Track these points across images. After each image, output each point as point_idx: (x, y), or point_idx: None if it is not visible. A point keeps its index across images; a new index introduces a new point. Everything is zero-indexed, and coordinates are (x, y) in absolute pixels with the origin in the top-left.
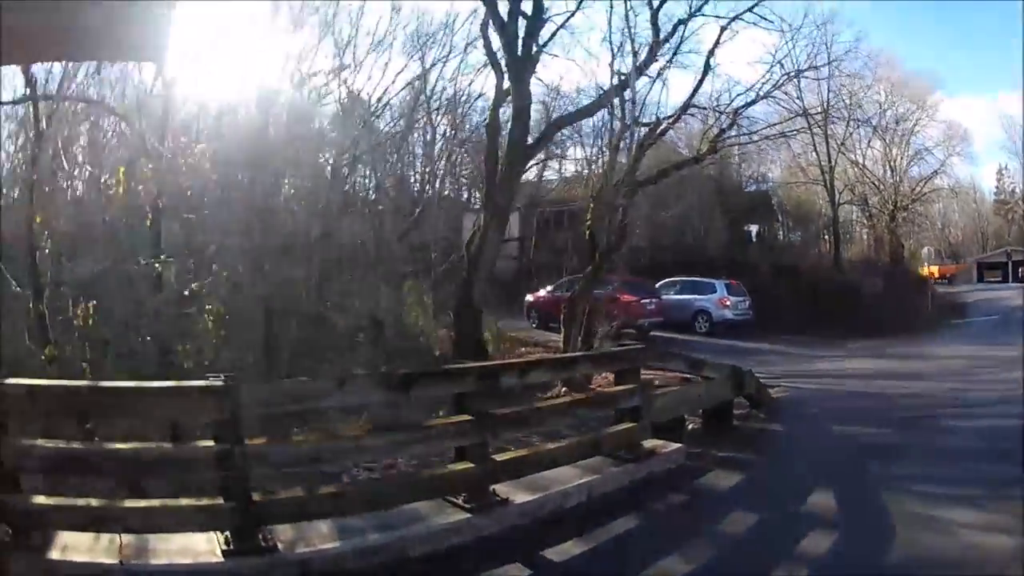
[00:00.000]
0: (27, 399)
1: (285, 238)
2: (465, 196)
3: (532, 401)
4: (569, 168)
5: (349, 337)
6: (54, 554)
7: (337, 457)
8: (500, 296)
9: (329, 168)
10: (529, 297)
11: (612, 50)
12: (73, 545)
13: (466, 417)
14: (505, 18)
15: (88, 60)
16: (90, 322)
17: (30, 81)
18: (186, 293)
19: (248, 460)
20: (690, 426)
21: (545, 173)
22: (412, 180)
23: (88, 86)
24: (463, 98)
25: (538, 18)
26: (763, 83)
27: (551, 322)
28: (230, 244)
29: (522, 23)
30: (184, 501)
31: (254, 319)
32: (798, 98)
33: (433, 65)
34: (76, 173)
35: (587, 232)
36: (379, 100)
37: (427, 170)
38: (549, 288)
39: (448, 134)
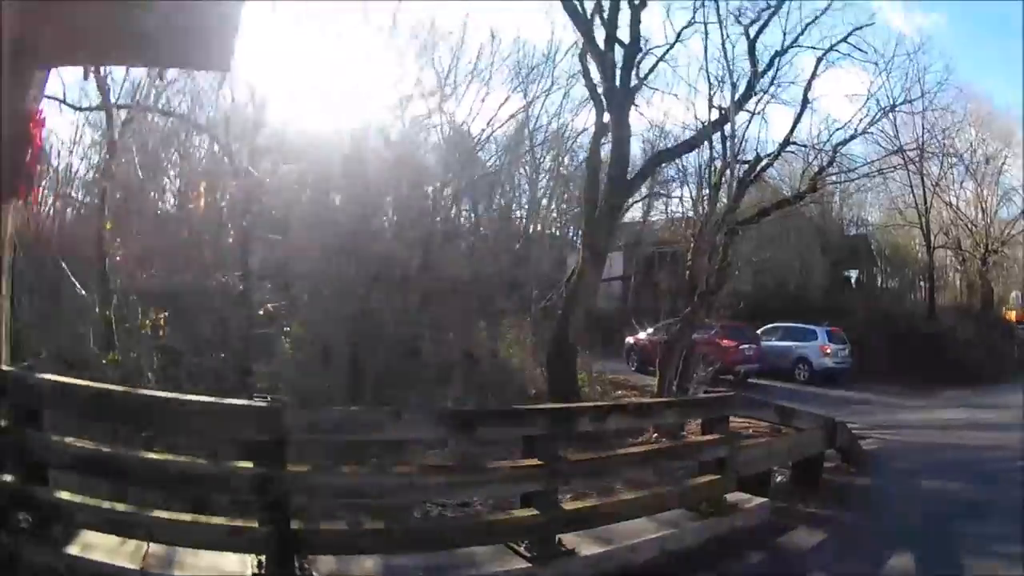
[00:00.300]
0: (59, 396)
1: (379, 265)
2: (570, 233)
3: (616, 446)
4: (674, 208)
5: (441, 370)
6: (73, 549)
7: (386, 493)
8: (602, 336)
9: (430, 198)
10: (630, 339)
11: (709, 82)
12: (96, 545)
13: (535, 462)
14: (602, 46)
15: (152, 66)
16: (161, 332)
17: (102, 89)
18: (260, 313)
19: (289, 486)
20: (779, 478)
21: (651, 214)
22: (516, 215)
23: (180, 101)
24: (566, 133)
25: (635, 47)
26: (861, 119)
27: (650, 365)
28: (317, 267)
29: (620, 52)
30: (218, 519)
31: (339, 345)
32: (895, 136)
33: (536, 98)
34: (162, 184)
35: (687, 273)
36: (482, 132)
37: (531, 205)
38: (650, 330)
39: (552, 169)
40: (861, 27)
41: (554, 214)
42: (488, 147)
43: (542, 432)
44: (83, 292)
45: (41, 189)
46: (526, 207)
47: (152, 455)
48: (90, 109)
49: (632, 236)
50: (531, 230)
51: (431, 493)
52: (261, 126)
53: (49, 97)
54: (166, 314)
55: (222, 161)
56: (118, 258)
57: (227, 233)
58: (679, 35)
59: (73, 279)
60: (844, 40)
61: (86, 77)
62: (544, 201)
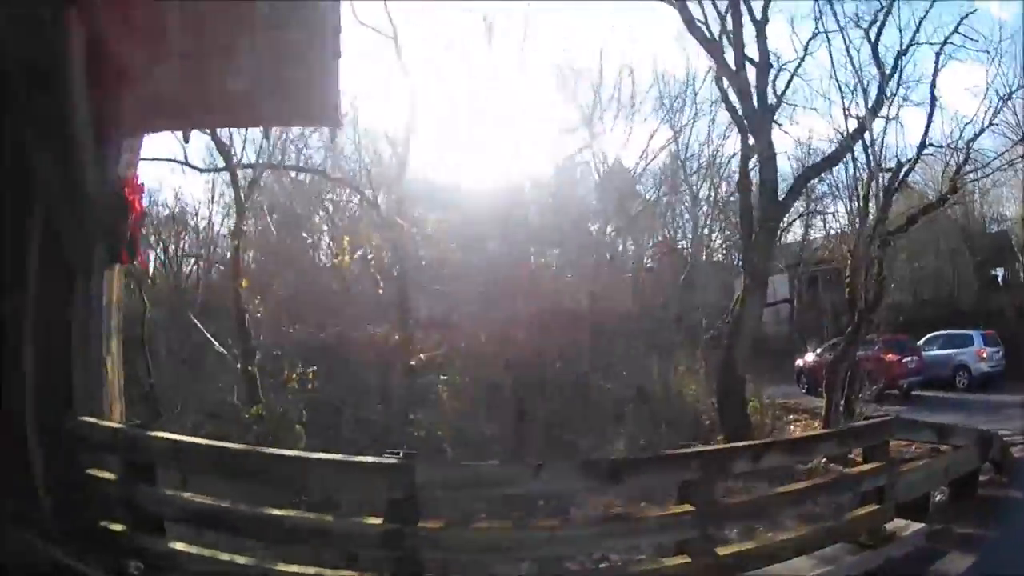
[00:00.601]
0: (171, 453)
1: (541, 306)
2: (736, 260)
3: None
4: (831, 224)
5: (614, 408)
6: None
7: (523, 548)
8: (772, 361)
9: (592, 234)
10: (798, 361)
11: (840, 92)
12: None
13: (686, 508)
14: (734, 67)
15: (252, 126)
16: (310, 385)
17: (222, 149)
18: (413, 363)
19: (420, 542)
20: (937, 496)
21: (809, 232)
22: (680, 246)
23: (325, 158)
24: (717, 159)
25: (766, 64)
26: (985, 111)
27: (820, 386)
28: (475, 312)
29: (752, 72)
30: (346, 573)
31: (503, 389)
32: (1017, 124)
33: (684, 126)
34: (307, 238)
35: (847, 290)
36: (636, 165)
37: (694, 235)
38: (817, 351)
39: (709, 197)
40: (967, 15)
41: (717, 241)
42: (644, 180)
43: (694, 477)
44: (222, 349)
45: (179, 249)
46: (689, 237)
47: (275, 510)
48: (214, 170)
49: (793, 257)
50: (696, 260)
51: (575, 546)
52: (406, 175)
53: (172, 160)
54: (315, 368)
55: (369, 213)
56: (259, 314)
57: (378, 284)
58: (806, 47)
59: (209, 336)
60: (955, 31)
61: (187, 140)
62: (706, 230)
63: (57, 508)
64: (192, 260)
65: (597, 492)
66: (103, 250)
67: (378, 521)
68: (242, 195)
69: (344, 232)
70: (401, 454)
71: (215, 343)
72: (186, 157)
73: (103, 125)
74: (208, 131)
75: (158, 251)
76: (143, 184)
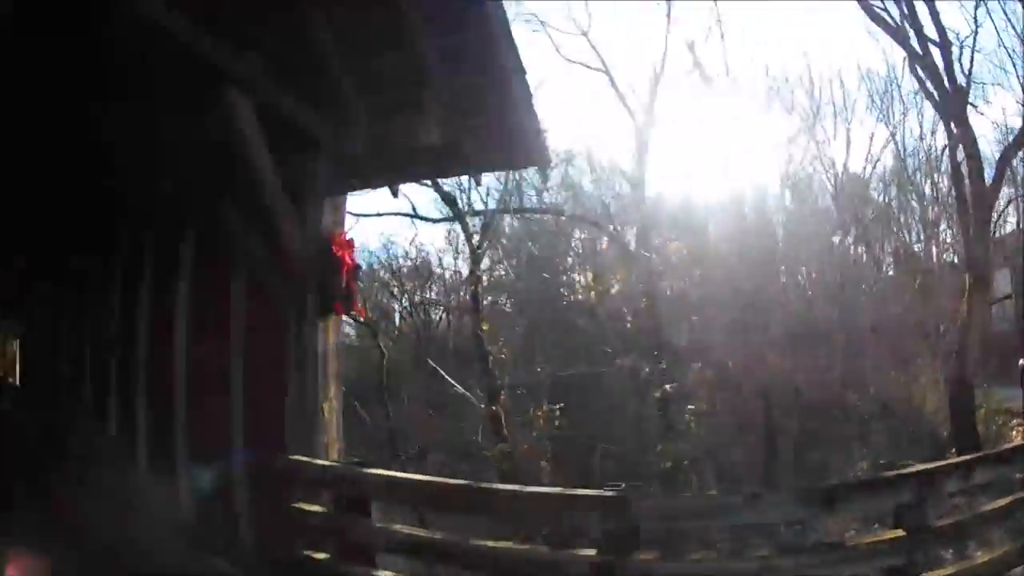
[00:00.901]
0: (385, 488)
1: (788, 326)
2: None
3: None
4: None
5: (860, 426)
6: None
7: None
8: (999, 362)
9: (832, 248)
10: (1021, 361)
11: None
12: None
13: (897, 533)
14: (920, 52)
15: (461, 175)
16: (556, 423)
17: (446, 198)
18: (657, 394)
19: (633, 574)
20: None
21: None
22: (914, 249)
23: (566, 197)
24: (931, 153)
25: (946, 43)
26: None
27: None
28: (721, 340)
29: (936, 54)
30: None
31: (752, 414)
32: None
33: (897, 124)
34: (553, 280)
35: None
36: (863, 169)
37: (924, 236)
38: None
39: (933, 194)
40: None
41: (948, 240)
42: (873, 183)
43: (905, 500)
44: (464, 391)
45: (424, 298)
46: (921, 239)
47: (487, 541)
48: (445, 220)
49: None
50: (928, 262)
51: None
52: (644, 205)
53: (401, 213)
54: (562, 405)
55: (612, 246)
56: (502, 355)
57: (624, 318)
58: (976, 20)
59: (450, 379)
60: None
61: (395, 195)
62: (936, 229)
63: (259, 541)
64: (439, 307)
65: (812, 519)
66: (314, 304)
67: (591, 553)
68: (474, 241)
69: (589, 267)
70: (622, 486)
71: (457, 385)
72: (414, 209)
73: (298, 189)
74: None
75: (403, 301)
76: (352, 240)
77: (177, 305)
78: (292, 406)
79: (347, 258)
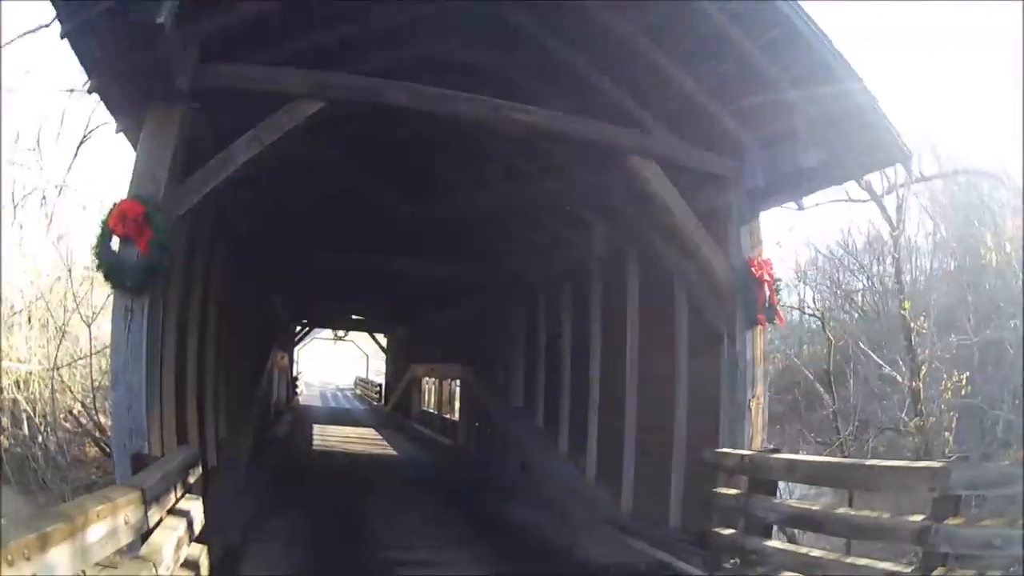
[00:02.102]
0: (787, 469)
1: None
2: None
3: None
4: None
5: None
6: None
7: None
8: None
9: None
10: None
11: None
12: None
13: None
14: None
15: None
16: (963, 392)
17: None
18: None
19: (940, 538)
20: None
21: None
22: None
23: None
24: None
25: None
26: None
27: None
28: None
29: None
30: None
31: None
32: None
33: None
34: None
35: None
36: None
37: None
38: None
39: None
40: None
41: None
42: None
43: None
44: (887, 368)
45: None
46: None
47: (845, 510)
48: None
49: None
50: None
51: None
52: None
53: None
54: (967, 374)
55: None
56: (924, 330)
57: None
58: None
59: (876, 358)
60: None
61: (800, 208)
62: None
63: (683, 524)
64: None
65: None
66: (741, 318)
67: (918, 518)
68: (892, 219)
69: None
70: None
71: (884, 365)
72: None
73: (715, 221)
74: None
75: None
76: (769, 259)
77: (627, 331)
78: (724, 406)
79: (766, 275)
